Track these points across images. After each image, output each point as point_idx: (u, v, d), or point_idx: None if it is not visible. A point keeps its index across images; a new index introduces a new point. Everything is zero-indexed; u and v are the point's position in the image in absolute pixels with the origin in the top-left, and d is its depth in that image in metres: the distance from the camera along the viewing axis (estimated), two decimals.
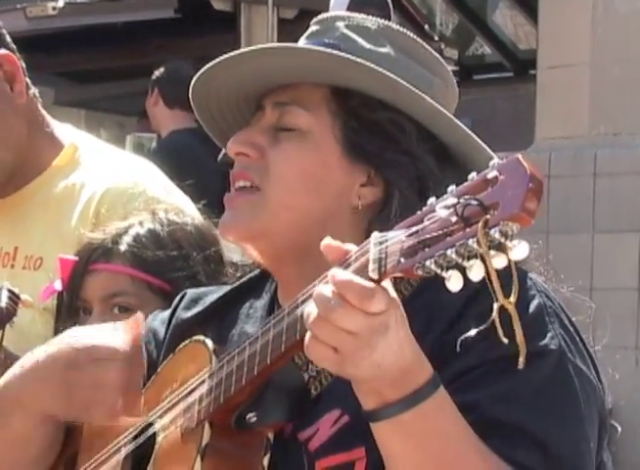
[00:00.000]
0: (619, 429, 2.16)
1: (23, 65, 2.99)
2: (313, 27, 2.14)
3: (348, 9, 6.52)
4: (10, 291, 2.66)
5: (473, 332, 1.73)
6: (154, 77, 7.84)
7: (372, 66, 1.99)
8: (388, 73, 1.99)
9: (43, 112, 3.07)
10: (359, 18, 2.14)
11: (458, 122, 2.03)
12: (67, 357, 2.07)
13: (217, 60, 2.07)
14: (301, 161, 2.02)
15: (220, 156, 6.20)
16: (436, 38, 11.74)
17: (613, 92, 8.70)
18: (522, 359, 1.65)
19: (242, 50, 2.08)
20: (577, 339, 1.93)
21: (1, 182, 3.01)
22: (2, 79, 2.95)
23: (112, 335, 2.10)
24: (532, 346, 1.78)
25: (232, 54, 2.06)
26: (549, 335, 1.88)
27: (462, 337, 1.76)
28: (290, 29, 8.45)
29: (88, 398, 2.04)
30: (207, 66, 2.08)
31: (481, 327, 1.68)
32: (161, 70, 7.86)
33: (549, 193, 8.16)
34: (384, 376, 1.71)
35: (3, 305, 2.64)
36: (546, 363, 1.86)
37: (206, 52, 7.95)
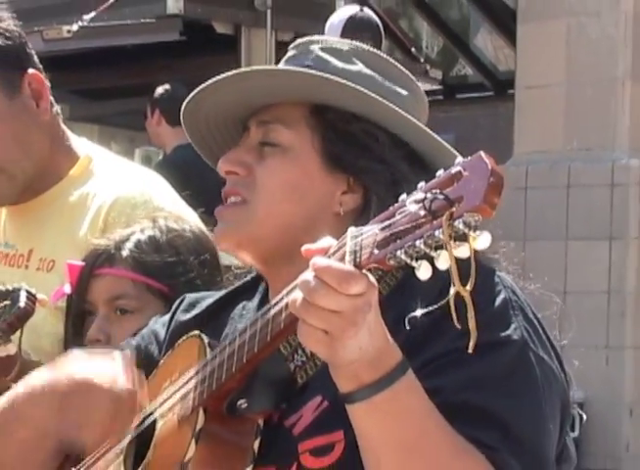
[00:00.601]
0: (585, 419, 2.34)
1: (49, 84, 2.97)
2: (291, 52, 2.15)
3: (342, 34, 6.51)
4: (28, 291, 2.62)
5: (419, 312, 1.74)
6: (153, 99, 7.82)
7: (344, 82, 2.01)
8: (359, 88, 2.00)
9: (63, 126, 3.03)
10: (332, 40, 2.17)
11: (426, 129, 2.05)
12: (66, 388, 2.08)
13: (204, 84, 2.07)
14: (285, 174, 2.03)
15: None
16: (422, 60, 11.78)
17: (585, 110, 8.73)
18: (472, 344, 1.64)
19: (225, 74, 2.06)
20: (541, 331, 1.94)
21: (22, 189, 2.95)
22: (29, 97, 2.90)
23: (109, 366, 2.10)
24: (496, 335, 1.85)
25: (217, 78, 2.06)
26: (512, 326, 1.88)
27: (409, 315, 1.76)
28: (287, 51, 8.36)
29: (81, 424, 2.05)
30: (196, 90, 2.08)
31: (430, 308, 1.71)
32: (160, 91, 7.84)
33: (526, 203, 8.16)
34: (364, 358, 1.72)
35: (22, 304, 2.61)
36: (509, 352, 1.87)
37: (209, 72, 8.21)
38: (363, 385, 1.72)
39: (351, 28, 6.60)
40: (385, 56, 2.17)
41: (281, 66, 2.13)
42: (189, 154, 7.07)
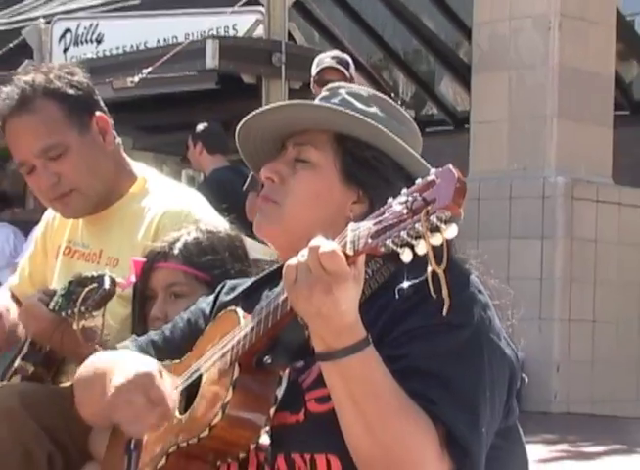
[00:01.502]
0: (527, 380, 2.17)
1: (112, 122, 2.95)
2: (324, 93, 2.12)
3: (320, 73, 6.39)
4: (110, 277, 2.63)
5: (405, 284, 1.75)
6: (195, 134, 7.62)
7: (360, 116, 1.98)
8: (372, 123, 1.98)
9: (124, 154, 3.02)
10: (356, 87, 2.14)
11: (420, 158, 2.02)
12: (114, 381, 1.96)
13: (256, 111, 2.04)
14: (312, 184, 2.01)
15: (246, 184, 6.33)
16: (400, 102, 11.61)
17: (523, 140, 8.90)
18: (446, 308, 1.64)
19: (274, 104, 2.08)
20: (495, 321, 1.89)
21: (94, 204, 2.93)
22: (97, 133, 2.88)
23: (146, 363, 2.01)
24: (458, 319, 1.80)
25: (267, 107, 2.07)
26: (471, 314, 1.85)
27: (398, 286, 1.77)
28: (297, 96, 8.10)
29: (127, 414, 1.93)
30: (248, 115, 2.04)
31: (415, 281, 1.70)
32: (201, 127, 7.62)
33: (479, 210, 8.27)
34: (331, 324, 1.70)
35: (107, 286, 2.61)
36: (464, 333, 1.82)
37: (238, 113, 7.85)
38: (331, 349, 1.71)
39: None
40: (393, 102, 2.13)
41: (316, 102, 2.09)
42: (223, 175, 7.23)
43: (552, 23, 9.02)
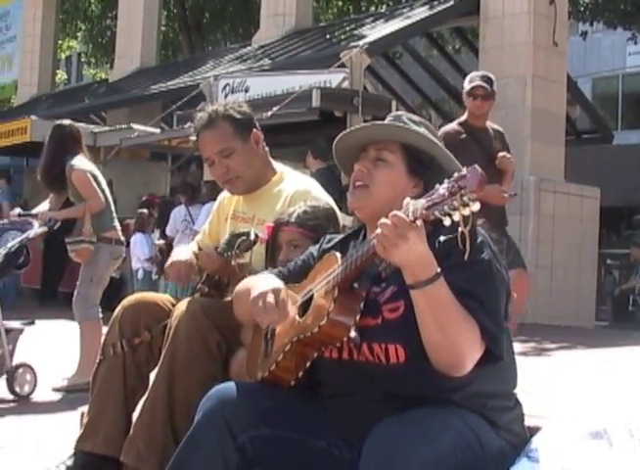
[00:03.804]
0: (515, 296, 2.14)
1: (262, 136, 2.95)
2: (390, 117, 2.08)
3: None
4: (255, 232, 2.65)
5: (442, 238, 1.81)
6: (310, 146, 7.89)
7: (422, 132, 2.01)
8: (429, 136, 2.01)
9: (269, 157, 2.99)
10: (411, 115, 2.10)
11: (455, 160, 1.99)
12: (254, 292, 1.97)
13: (350, 129, 2.05)
14: (389, 176, 2.00)
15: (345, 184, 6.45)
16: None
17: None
18: (466, 256, 1.67)
19: (364, 124, 2.04)
20: (498, 256, 1.90)
21: (249, 187, 2.90)
22: (254, 142, 2.89)
23: (276, 282, 2.02)
24: (478, 257, 1.84)
25: (357, 126, 2.05)
26: (485, 252, 1.86)
27: (442, 239, 1.82)
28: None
29: (261, 312, 1.93)
30: (344, 132, 2.06)
31: (451, 236, 1.75)
32: (314, 142, 7.88)
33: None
34: (411, 262, 1.71)
35: (252, 237, 2.63)
36: (485, 265, 1.85)
37: (331, 135, 6.98)
38: (418, 280, 1.73)
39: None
40: (432, 126, 2.09)
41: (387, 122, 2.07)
42: (325, 172, 7.54)
43: (527, 81, 9.63)
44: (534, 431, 1.96)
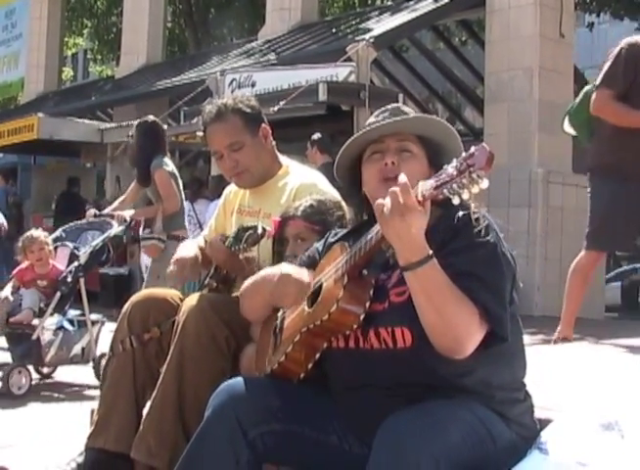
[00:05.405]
0: (522, 285, 2.00)
1: (270, 131, 2.94)
2: (388, 109, 2.07)
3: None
4: (262, 226, 2.63)
5: (449, 220, 1.84)
6: (312, 141, 7.84)
7: (443, 122, 2.01)
8: (446, 125, 2.01)
9: (276, 151, 2.98)
10: (406, 108, 2.11)
11: (462, 148, 1.96)
12: (274, 280, 2.04)
13: (369, 127, 2.03)
14: (416, 167, 1.99)
15: None
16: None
17: (517, 146, 8.97)
18: (476, 231, 1.71)
19: (388, 120, 2.01)
20: (502, 240, 1.89)
21: (257, 180, 2.90)
22: (262, 136, 2.89)
23: (297, 271, 2.06)
24: (483, 240, 1.84)
25: (373, 125, 2.02)
26: (490, 235, 1.86)
27: (455, 222, 1.84)
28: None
29: (282, 295, 2.02)
30: (365, 130, 2.04)
31: (463, 213, 1.81)
32: (315, 137, 7.83)
33: (489, 188, 7.12)
34: (405, 244, 1.73)
35: (260, 231, 2.62)
36: (489, 247, 1.85)
37: (338, 129, 8.51)
38: (409, 262, 1.75)
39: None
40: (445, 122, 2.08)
41: (397, 118, 2.02)
42: (329, 167, 7.74)
43: (534, 72, 9.54)
44: (545, 423, 1.94)
